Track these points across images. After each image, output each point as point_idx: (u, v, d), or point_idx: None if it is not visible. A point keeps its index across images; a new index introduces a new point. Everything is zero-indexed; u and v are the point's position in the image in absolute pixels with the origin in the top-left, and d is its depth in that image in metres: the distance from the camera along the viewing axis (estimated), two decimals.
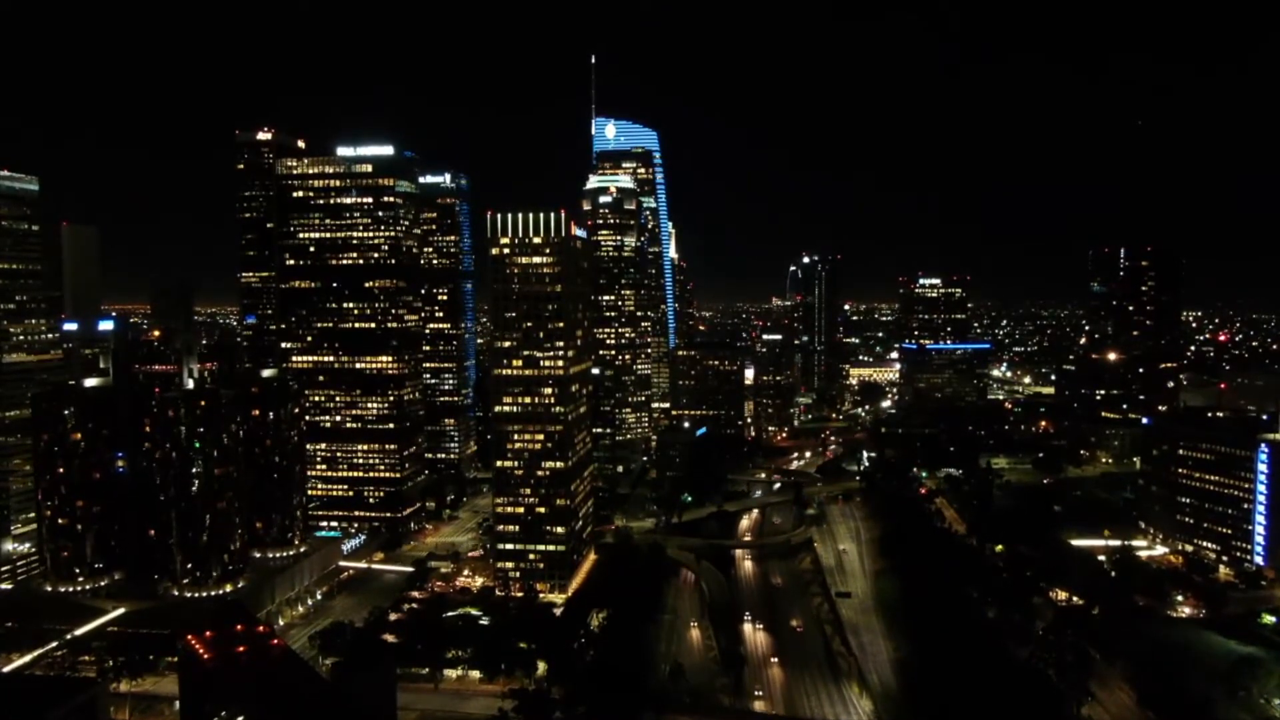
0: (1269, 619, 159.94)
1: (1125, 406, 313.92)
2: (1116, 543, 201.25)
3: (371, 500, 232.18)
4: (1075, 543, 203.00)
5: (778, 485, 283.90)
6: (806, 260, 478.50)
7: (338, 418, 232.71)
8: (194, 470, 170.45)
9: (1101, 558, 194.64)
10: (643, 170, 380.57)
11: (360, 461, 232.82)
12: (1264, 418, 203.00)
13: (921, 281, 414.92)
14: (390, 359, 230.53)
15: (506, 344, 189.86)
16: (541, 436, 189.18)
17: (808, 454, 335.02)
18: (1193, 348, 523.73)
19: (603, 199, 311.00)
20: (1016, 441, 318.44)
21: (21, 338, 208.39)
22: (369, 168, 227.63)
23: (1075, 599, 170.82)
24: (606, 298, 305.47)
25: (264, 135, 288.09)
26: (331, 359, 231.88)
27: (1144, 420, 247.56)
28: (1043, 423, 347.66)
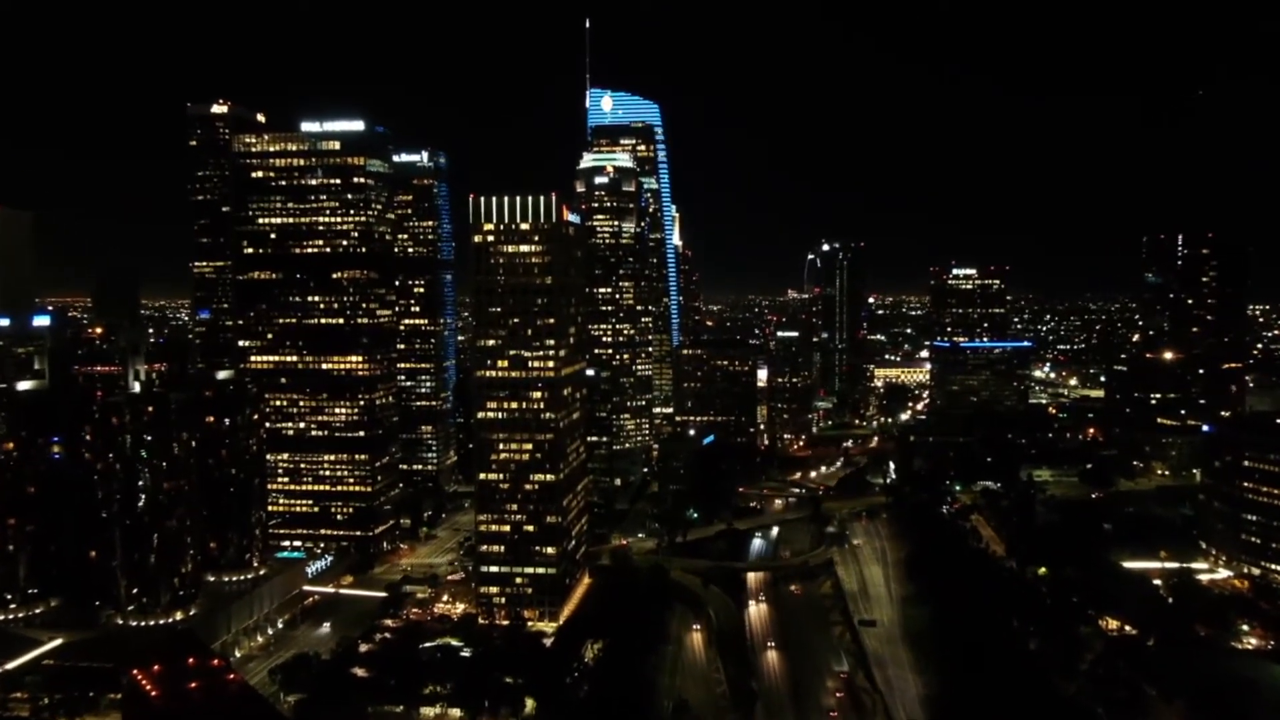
0: None
1: (1184, 412, 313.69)
2: (1174, 565, 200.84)
3: (339, 517, 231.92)
4: (1128, 565, 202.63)
5: (794, 500, 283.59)
6: (826, 248, 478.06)
7: (301, 425, 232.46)
8: (140, 484, 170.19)
9: (1157, 582, 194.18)
10: (643, 147, 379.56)
11: (327, 474, 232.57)
12: None
13: (955, 272, 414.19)
14: (360, 359, 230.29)
15: (491, 342, 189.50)
16: (530, 446, 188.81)
17: (828, 465, 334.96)
18: (1260, 346, 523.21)
19: (598, 179, 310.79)
20: (1061, 451, 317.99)
21: None
22: (336, 145, 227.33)
23: (1128, 628, 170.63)
24: (602, 290, 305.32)
25: (219, 109, 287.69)
26: (295, 359, 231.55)
27: (1205, 428, 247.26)
28: (1091, 430, 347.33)
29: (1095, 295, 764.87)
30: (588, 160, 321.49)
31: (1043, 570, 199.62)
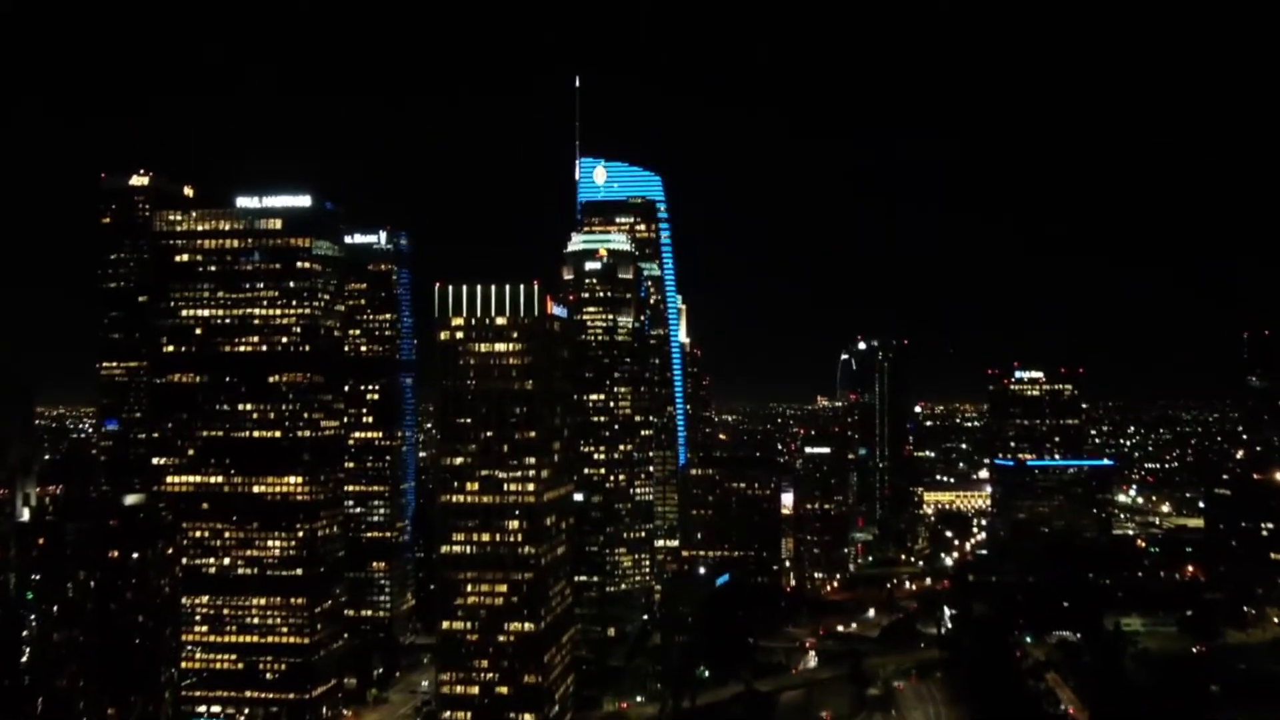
0: None
1: None
2: None
3: (269, 675, 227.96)
4: None
5: (828, 655, 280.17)
6: (863, 346, 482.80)
7: (226, 561, 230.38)
8: (24, 634, 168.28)
9: None
10: (643, 227, 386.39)
11: (255, 621, 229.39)
12: None
13: (1019, 375, 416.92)
14: (300, 480, 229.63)
15: (458, 460, 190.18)
16: (504, 588, 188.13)
17: (869, 611, 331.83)
18: None
19: (590, 265, 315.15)
20: (1155, 594, 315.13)
21: None
22: (278, 224, 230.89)
23: None
24: (594, 397, 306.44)
25: (139, 180, 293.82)
26: (220, 480, 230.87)
27: None
28: (1190, 568, 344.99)
29: (1189, 403, 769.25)
30: (577, 242, 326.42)
31: None
